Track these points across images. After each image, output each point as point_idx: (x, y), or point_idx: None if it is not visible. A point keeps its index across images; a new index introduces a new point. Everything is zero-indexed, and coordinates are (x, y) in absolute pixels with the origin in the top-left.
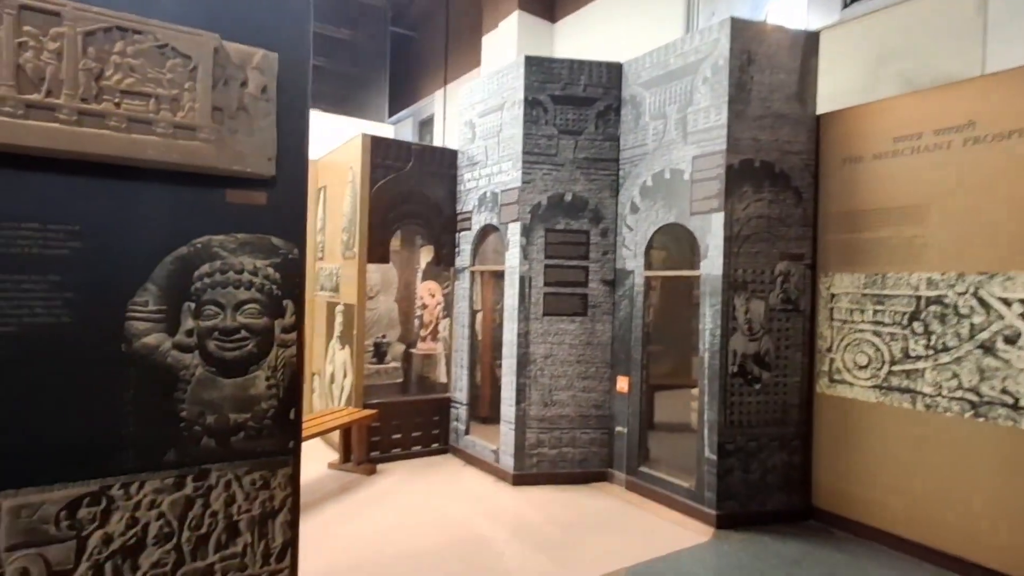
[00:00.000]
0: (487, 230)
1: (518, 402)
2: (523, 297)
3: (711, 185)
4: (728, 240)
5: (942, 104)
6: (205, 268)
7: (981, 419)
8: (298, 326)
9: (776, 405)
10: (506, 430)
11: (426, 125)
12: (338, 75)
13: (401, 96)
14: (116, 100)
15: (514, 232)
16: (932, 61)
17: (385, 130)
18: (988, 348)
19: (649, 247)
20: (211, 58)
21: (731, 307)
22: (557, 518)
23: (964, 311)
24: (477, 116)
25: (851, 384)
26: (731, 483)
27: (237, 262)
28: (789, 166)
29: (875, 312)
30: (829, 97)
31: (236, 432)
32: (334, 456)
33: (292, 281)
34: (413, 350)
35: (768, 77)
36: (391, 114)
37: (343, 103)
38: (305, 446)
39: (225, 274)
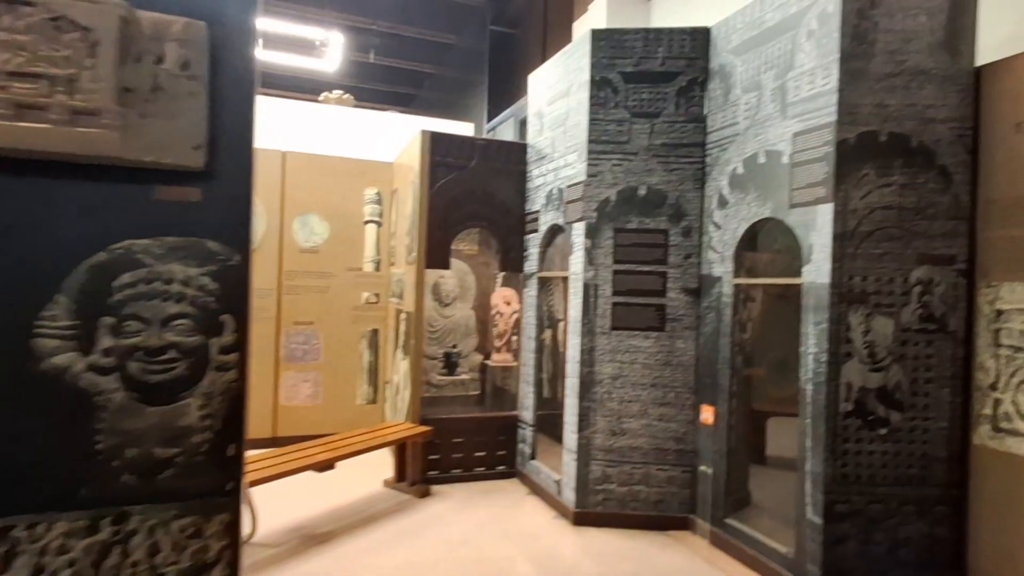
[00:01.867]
0: (555, 231)
1: (581, 429)
2: (588, 308)
3: (817, 168)
4: (839, 238)
5: None
6: (126, 277)
7: None
8: (240, 346)
9: (912, 458)
10: (568, 460)
11: (525, 124)
12: (444, 80)
13: (503, 96)
14: (2, 84)
15: (578, 233)
16: None
17: (462, 127)
18: None
19: (741, 248)
20: (116, 30)
21: (844, 326)
22: (617, 574)
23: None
24: (545, 104)
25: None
26: (844, 555)
27: (165, 270)
28: (932, 138)
29: None
30: (992, 48)
31: (162, 469)
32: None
33: (233, 293)
34: (488, 362)
35: (900, 22)
36: (493, 116)
37: (449, 108)
38: (370, 459)
39: (150, 284)
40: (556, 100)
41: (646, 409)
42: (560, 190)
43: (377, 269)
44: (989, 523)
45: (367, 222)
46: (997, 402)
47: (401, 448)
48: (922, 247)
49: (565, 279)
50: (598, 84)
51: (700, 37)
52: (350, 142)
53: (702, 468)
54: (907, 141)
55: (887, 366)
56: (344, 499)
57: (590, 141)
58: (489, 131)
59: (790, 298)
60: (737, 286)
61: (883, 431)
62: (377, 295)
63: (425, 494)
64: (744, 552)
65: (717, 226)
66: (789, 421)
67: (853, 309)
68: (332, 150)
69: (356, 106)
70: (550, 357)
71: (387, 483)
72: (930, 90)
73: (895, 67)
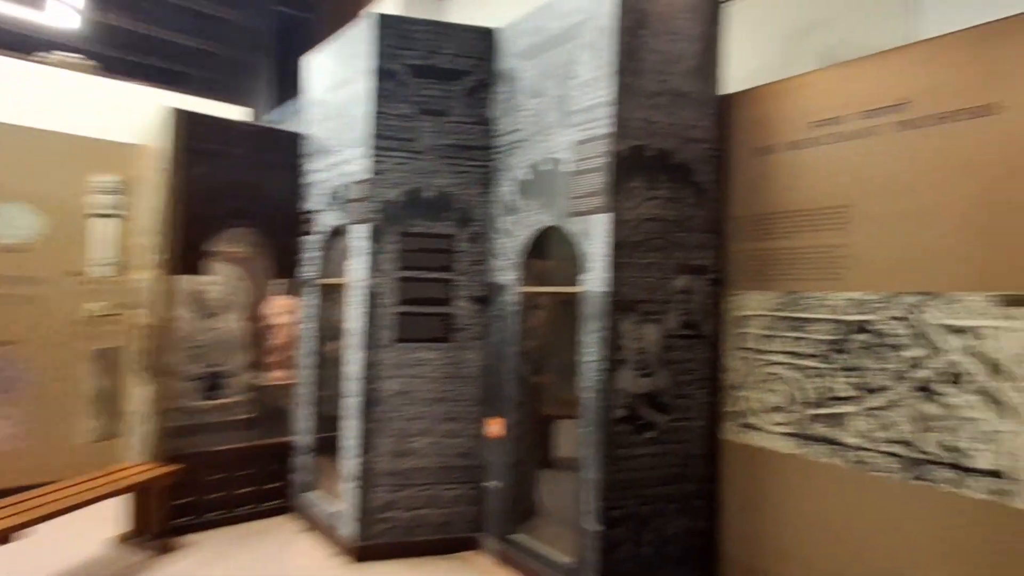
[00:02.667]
0: (337, 233)
1: (362, 453)
2: (371, 318)
3: (595, 178)
4: (615, 248)
5: (869, 79)
6: None
7: (919, 482)
8: None
9: (675, 457)
10: (348, 489)
11: None
12: (221, 60)
13: (295, 85)
14: None
15: (361, 236)
16: (856, 34)
17: (235, 112)
18: (927, 390)
19: (528, 255)
20: None
21: (618, 334)
22: None
23: (898, 341)
24: (325, 91)
25: (763, 430)
26: (619, 560)
27: None
28: (690, 156)
29: (792, 340)
30: (738, 79)
31: None
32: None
33: None
34: (259, 382)
35: (665, 44)
36: (282, 103)
37: (226, 92)
38: (104, 508)
39: None
40: (338, 87)
41: (433, 426)
42: (342, 188)
43: (116, 274)
44: (737, 511)
45: (95, 215)
46: (741, 399)
47: (141, 494)
48: (682, 258)
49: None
50: (384, 75)
51: (488, 38)
52: (85, 117)
53: (489, 483)
54: (670, 157)
55: (654, 371)
56: (53, 567)
57: (376, 136)
58: (273, 121)
59: (576, 303)
60: (523, 294)
61: (651, 434)
62: (114, 305)
63: (169, 549)
64: (529, 566)
65: (505, 232)
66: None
67: (626, 317)
68: (56, 125)
69: (100, 76)
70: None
71: (122, 539)
72: (689, 111)
73: (660, 86)
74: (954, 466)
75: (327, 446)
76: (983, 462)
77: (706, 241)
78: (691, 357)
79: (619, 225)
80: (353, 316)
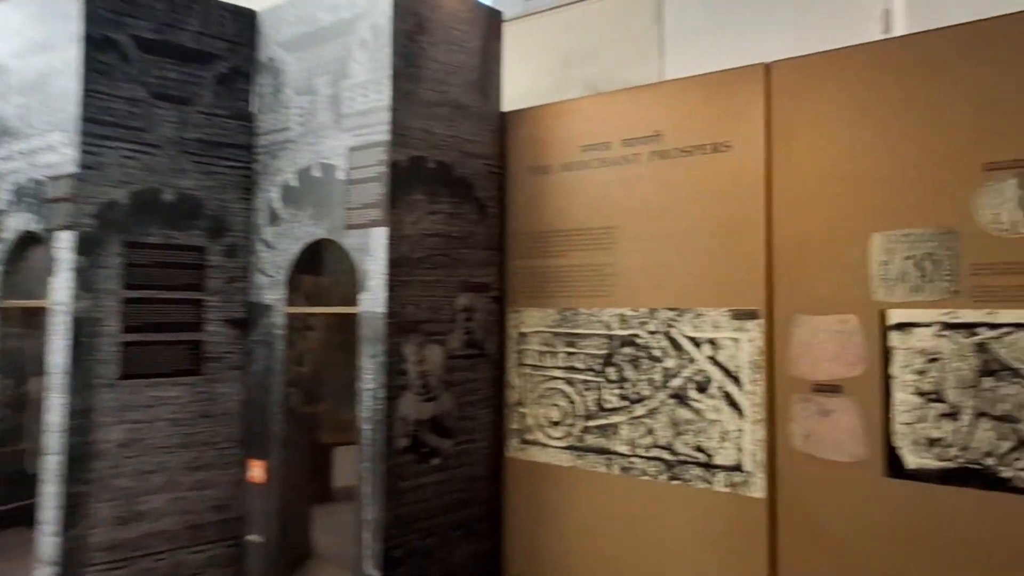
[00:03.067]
0: (28, 241)
1: (68, 527)
2: (81, 351)
3: (371, 189)
4: (394, 264)
5: (629, 110)
6: None
7: (677, 482)
8: None
9: (460, 482)
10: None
11: None
12: None
13: None
14: None
15: (65, 246)
16: (615, 68)
17: None
18: (681, 397)
19: (298, 272)
20: None
21: (399, 357)
22: None
23: (657, 353)
24: (12, 56)
25: (544, 445)
26: None
27: None
28: (471, 171)
29: (568, 355)
30: (516, 100)
31: None
32: None
33: None
34: None
35: (444, 54)
36: None
37: None
38: None
39: None
40: (31, 53)
41: (175, 478)
42: (36, 182)
43: None
44: (520, 528)
45: None
46: (523, 416)
47: None
48: (465, 275)
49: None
50: (98, 44)
51: (245, 20)
52: None
53: (251, 538)
54: (451, 171)
55: (439, 395)
56: None
57: (86, 119)
58: None
59: (354, 324)
60: (292, 315)
61: (436, 461)
62: None
63: None
64: None
65: (268, 245)
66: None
67: (408, 339)
68: None
69: None
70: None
71: None
72: (468, 125)
73: (440, 96)
74: (703, 464)
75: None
76: (725, 458)
77: (488, 258)
78: (475, 377)
79: (399, 240)
80: (55, 349)
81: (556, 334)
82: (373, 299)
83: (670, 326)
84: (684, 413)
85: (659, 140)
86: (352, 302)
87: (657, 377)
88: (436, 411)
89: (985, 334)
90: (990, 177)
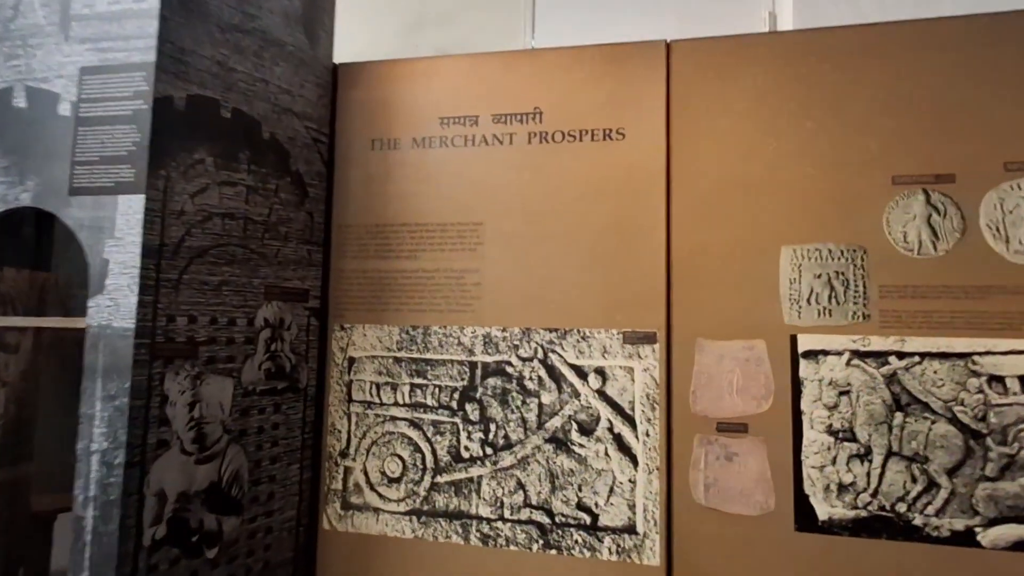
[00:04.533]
0: None
1: None
2: None
3: (121, 134)
4: (156, 254)
5: (503, 79)
6: None
7: (553, 551)
8: None
9: (250, 574)
10: None
11: None
12: None
13: None
14: None
15: None
16: (475, 35)
17: None
18: (561, 442)
19: None
20: None
21: (158, 397)
22: None
23: (531, 386)
24: None
25: (377, 510)
26: None
27: None
28: (288, 134)
29: (414, 389)
30: (353, 54)
31: None
32: None
33: None
34: None
35: None
36: None
37: None
38: None
39: None
40: None
41: None
42: None
43: None
44: None
45: None
46: (348, 471)
47: None
48: (271, 276)
49: None
50: None
51: None
52: None
53: None
54: (258, 128)
55: (221, 451)
56: None
57: None
58: None
59: (82, 346)
60: None
61: (212, 553)
62: None
63: None
64: None
65: None
66: None
67: (175, 369)
68: None
69: None
70: None
71: None
72: (286, 71)
73: (245, 19)
74: (587, 527)
75: None
76: (614, 518)
77: (306, 256)
78: (281, 421)
79: (165, 218)
80: None
81: (398, 360)
82: (114, 307)
83: (549, 351)
84: (564, 462)
85: (539, 120)
86: (81, 311)
87: (531, 416)
88: (216, 476)
89: (895, 363)
90: (898, 192)
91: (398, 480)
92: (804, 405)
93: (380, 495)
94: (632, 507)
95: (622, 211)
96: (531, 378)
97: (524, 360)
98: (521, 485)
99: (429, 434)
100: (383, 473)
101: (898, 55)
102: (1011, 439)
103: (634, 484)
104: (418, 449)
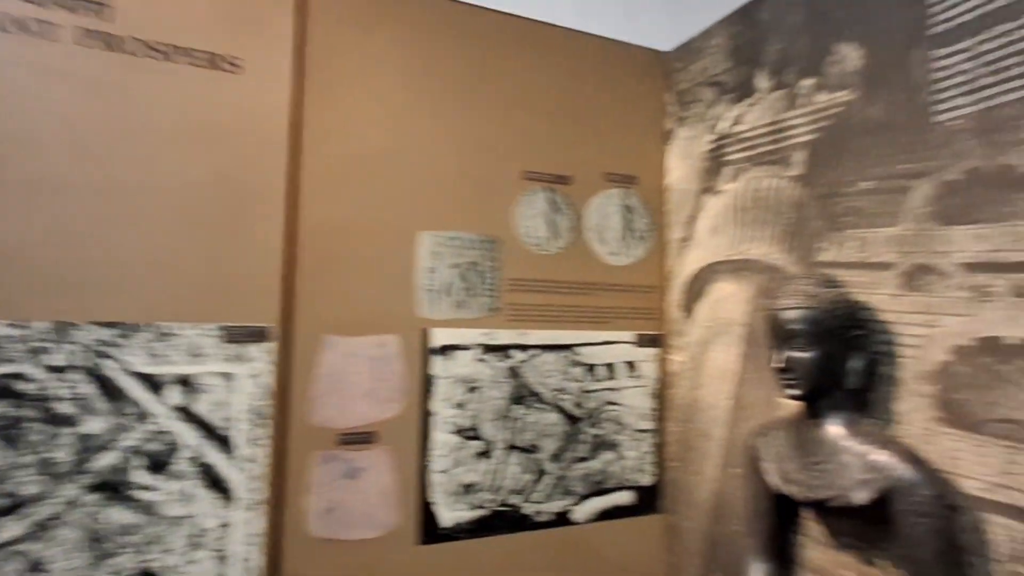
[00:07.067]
0: None
1: None
2: None
3: None
4: None
5: None
6: None
7: None
8: None
9: None
10: None
11: None
12: None
13: None
14: None
15: None
16: None
17: None
18: (115, 488)
19: None
20: None
21: None
22: None
23: (68, 410)
24: None
25: None
26: None
27: None
28: None
29: None
30: None
31: None
32: None
33: None
34: None
35: None
36: None
37: None
38: None
39: None
40: None
41: None
42: None
43: None
44: None
45: None
46: None
47: None
48: None
49: None
50: None
51: None
52: None
53: None
54: None
55: None
56: None
57: None
58: None
59: None
60: None
61: None
62: None
63: None
64: None
65: None
66: None
67: None
68: None
69: None
70: None
71: None
72: None
73: None
74: None
75: None
76: None
77: None
78: None
79: None
80: None
81: None
82: None
83: (101, 356)
84: (119, 516)
85: (105, 15)
86: None
87: (62, 456)
88: None
89: (517, 357)
90: (529, 187)
91: None
92: (434, 405)
93: None
94: (223, 559)
95: (229, 167)
96: (69, 398)
97: (55, 371)
98: (37, 566)
99: None
100: None
101: (528, 52)
102: (598, 421)
103: (227, 528)
104: None
